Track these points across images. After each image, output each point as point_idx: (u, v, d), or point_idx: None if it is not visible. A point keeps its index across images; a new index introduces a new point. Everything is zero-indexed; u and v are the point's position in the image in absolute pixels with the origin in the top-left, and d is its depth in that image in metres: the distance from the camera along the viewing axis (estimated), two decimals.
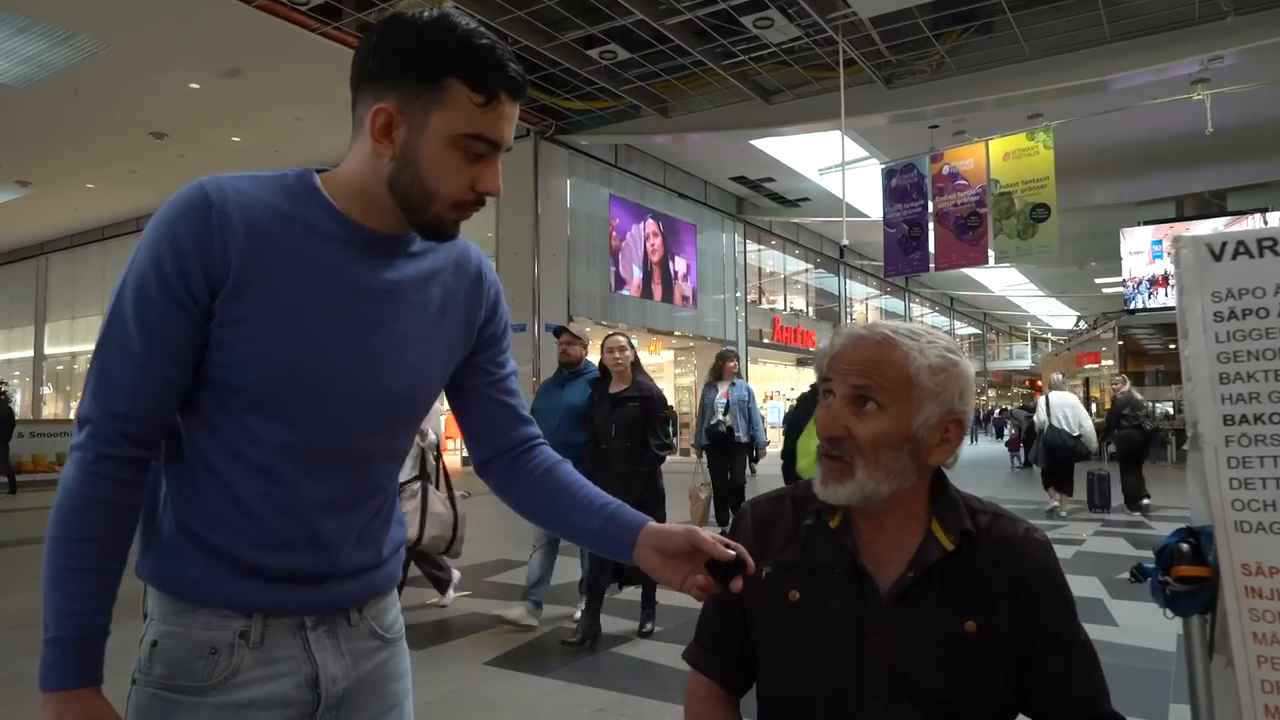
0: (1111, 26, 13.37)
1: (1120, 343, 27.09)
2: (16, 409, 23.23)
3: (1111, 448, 11.99)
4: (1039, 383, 13.04)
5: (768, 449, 9.31)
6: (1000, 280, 35.26)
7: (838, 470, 1.25)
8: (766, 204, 25.23)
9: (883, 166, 16.34)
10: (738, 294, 25.55)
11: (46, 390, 30.32)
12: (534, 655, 4.79)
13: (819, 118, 16.09)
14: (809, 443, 4.96)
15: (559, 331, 5.57)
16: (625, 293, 20.61)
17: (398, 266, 1.19)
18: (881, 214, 16.12)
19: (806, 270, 30.61)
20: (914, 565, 1.24)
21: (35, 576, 1.05)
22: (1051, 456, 11.12)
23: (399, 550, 1.33)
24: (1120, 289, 23.36)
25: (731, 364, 8.97)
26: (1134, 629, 5.18)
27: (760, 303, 27.73)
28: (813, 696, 1.23)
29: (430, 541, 5.20)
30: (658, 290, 21.79)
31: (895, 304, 37.48)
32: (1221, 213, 21.22)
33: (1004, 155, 14.70)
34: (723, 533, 1.26)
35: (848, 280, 33.04)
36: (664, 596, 5.21)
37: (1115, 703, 1.25)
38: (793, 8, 12.90)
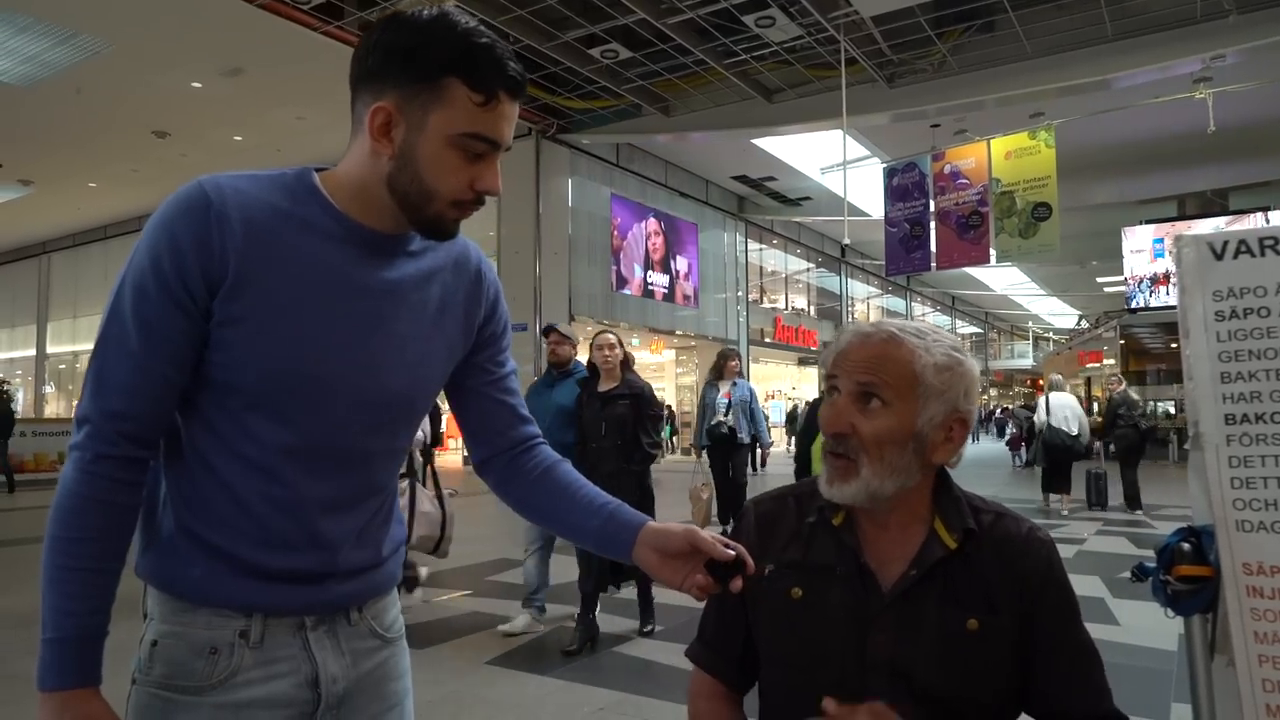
0: (1113, 25, 13.37)
1: (1122, 342, 27.06)
2: (19, 408, 23.28)
3: (1110, 447, 12.10)
4: (1040, 382, 13.03)
5: (771, 449, 9.30)
6: (1002, 279, 35.26)
7: (843, 469, 1.25)
8: (768, 203, 25.24)
9: (884, 165, 16.34)
10: (739, 293, 25.56)
11: (49, 389, 30.36)
12: (535, 655, 4.79)
13: (820, 117, 16.09)
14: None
15: (547, 331, 5.53)
16: (627, 292, 20.62)
17: (397, 266, 1.19)
18: (883, 213, 16.13)
19: (808, 269, 30.62)
20: (917, 563, 1.24)
21: (35, 575, 1.05)
22: (1050, 456, 11.37)
23: (399, 549, 1.32)
24: (1122, 288, 23.37)
25: (733, 363, 8.82)
26: (1135, 628, 5.18)
27: (762, 302, 27.74)
28: (815, 694, 1.23)
29: (418, 541, 5.17)
30: (659, 289, 21.79)
31: (897, 303, 37.48)
32: (1223, 212, 21.22)
33: (1005, 154, 14.70)
34: (724, 532, 1.26)
35: (849, 279, 33.04)
36: (664, 596, 5.21)
37: (1117, 702, 1.25)
38: (794, 6, 12.90)
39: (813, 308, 31.20)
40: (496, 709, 3.95)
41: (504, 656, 4.73)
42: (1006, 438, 25.00)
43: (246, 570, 1.12)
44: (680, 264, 22.71)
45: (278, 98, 16.04)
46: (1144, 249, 21.97)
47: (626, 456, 4.99)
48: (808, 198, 24.12)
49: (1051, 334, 52.54)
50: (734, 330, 24.98)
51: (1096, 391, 31.57)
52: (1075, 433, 11.12)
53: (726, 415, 8.49)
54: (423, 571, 6.02)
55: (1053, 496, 11.38)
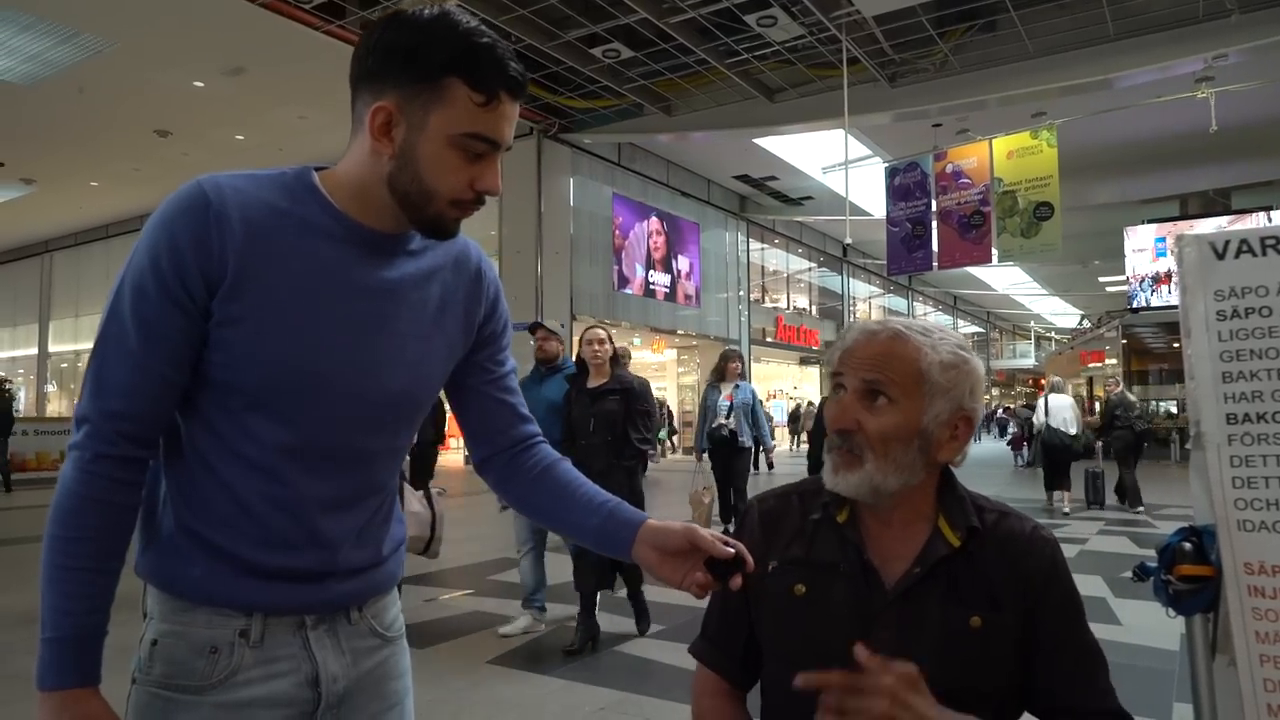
0: (1115, 25, 13.36)
1: (1124, 341, 27.01)
2: (20, 407, 23.30)
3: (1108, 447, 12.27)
4: (1042, 381, 13.08)
5: (774, 450, 9.14)
6: (1003, 279, 35.25)
7: (848, 460, 1.25)
8: (770, 202, 25.23)
9: (886, 165, 16.33)
10: (741, 292, 25.56)
11: (50, 388, 30.38)
12: (536, 654, 4.79)
13: (822, 116, 16.08)
14: None
15: (534, 327, 5.47)
16: (628, 291, 20.62)
17: (397, 265, 1.19)
18: (885, 212, 16.12)
19: (810, 269, 30.62)
20: (920, 561, 1.24)
21: (34, 575, 1.05)
22: (1049, 456, 11.58)
23: (399, 548, 1.32)
24: (1124, 287, 23.36)
25: (733, 365, 8.58)
26: (1137, 628, 5.18)
27: (763, 301, 27.74)
28: (817, 691, 1.23)
29: (408, 542, 5.13)
30: (661, 289, 21.79)
31: (898, 303, 37.47)
32: (1225, 211, 21.20)
33: (1007, 154, 14.69)
34: (726, 532, 1.26)
35: (851, 279, 33.03)
36: (664, 595, 5.21)
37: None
38: (796, 6, 12.89)
39: (814, 307, 31.20)
40: (497, 708, 3.95)
41: (505, 656, 4.73)
42: (1008, 438, 24.98)
43: (247, 569, 1.12)
44: (682, 263, 22.71)
45: (280, 97, 16.05)
46: (1146, 248, 21.97)
47: (617, 453, 4.92)
48: (809, 197, 24.11)
49: (1053, 334, 52.52)
50: (736, 330, 24.97)
51: (1099, 391, 31.53)
52: (1074, 433, 11.30)
53: (728, 418, 8.28)
54: None
55: (1055, 494, 11.53)
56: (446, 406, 1.42)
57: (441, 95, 1.08)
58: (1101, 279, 30.79)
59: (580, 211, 19.30)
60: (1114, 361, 28.69)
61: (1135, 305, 22.58)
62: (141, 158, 19.53)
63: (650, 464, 5.89)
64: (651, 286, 21.43)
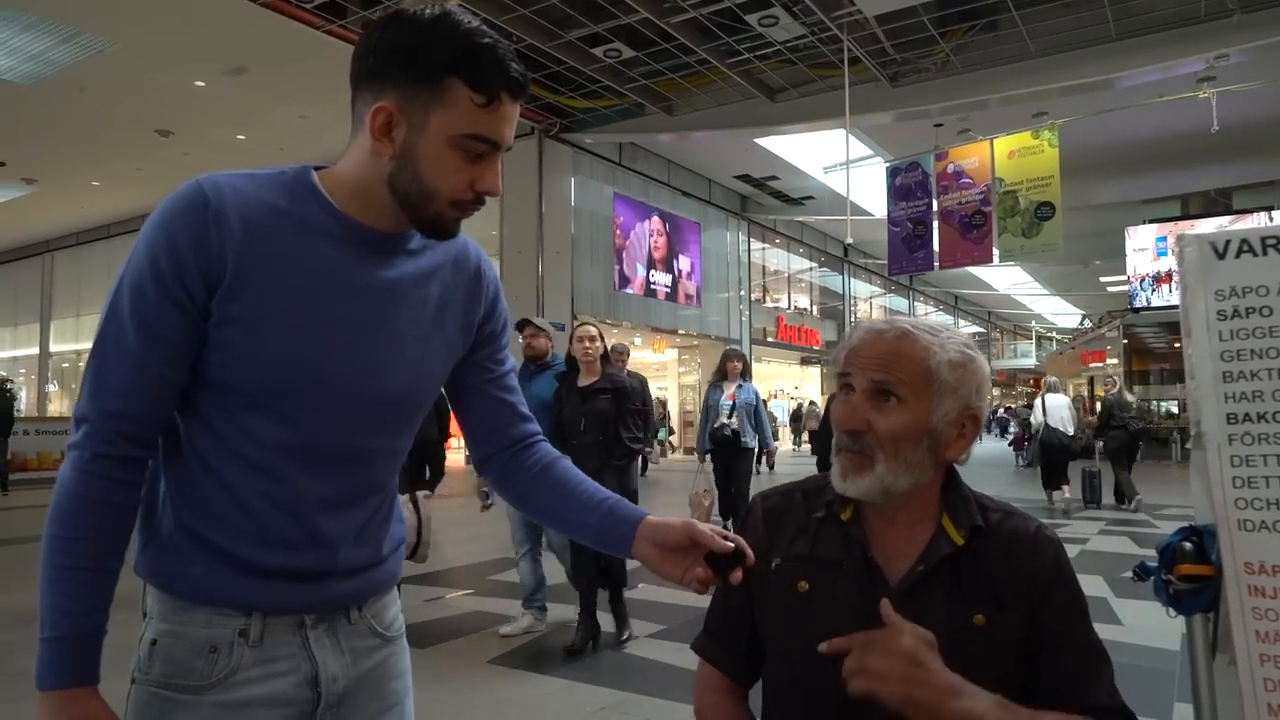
0: (1117, 24, 13.35)
1: (1125, 341, 27.00)
2: (21, 407, 23.31)
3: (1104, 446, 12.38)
4: (1043, 382, 13.15)
5: (776, 451, 9.04)
6: (1005, 279, 35.23)
7: (857, 463, 1.25)
8: (771, 202, 25.23)
9: (887, 165, 16.34)
10: (742, 292, 25.56)
11: (51, 388, 30.40)
12: (537, 654, 4.79)
13: (823, 116, 16.07)
14: None
15: (522, 324, 5.36)
16: (629, 291, 20.62)
17: (396, 264, 1.19)
18: (886, 212, 16.12)
19: (811, 269, 30.61)
20: (924, 559, 1.24)
21: (33, 574, 1.05)
22: (1047, 455, 11.73)
23: (399, 548, 1.33)
24: (1125, 287, 23.35)
25: (733, 364, 8.35)
26: (1138, 628, 5.17)
27: (764, 301, 27.73)
28: (819, 687, 1.23)
29: None
30: (662, 289, 21.79)
31: (899, 302, 37.46)
32: (1226, 211, 21.19)
33: (1009, 153, 14.68)
34: (725, 527, 1.26)
35: (852, 279, 33.03)
36: (665, 595, 5.21)
37: None
38: (798, 6, 12.89)
39: (815, 307, 31.20)
40: (498, 709, 3.95)
41: (506, 656, 4.73)
42: (1010, 438, 24.96)
43: (246, 569, 1.12)
44: (683, 263, 22.70)
45: (281, 96, 16.05)
46: (1147, 247, 21.96)
47: (608, 453, 4.85)
48: (810, 197, 24.11)
49: (1054, 333, 52.48)
50: (737, 330, 24.97)
51: (1099, 391, 31.56)
52: (1072, 433, 11.46)
53: (730, 417, 8.04)
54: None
55: (1055, 494, 11.60)
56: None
57: (442, 96, 1.07)
58: (1103, 279, 30.79)
59: (581, 211, 19.30)
60: (1115, 361, 28.67)
61: (1136, 305, 22.58)
62: (143, 157, 19.53)
63: (650, 464, 5.85)
64: (652, 286, 21.43)
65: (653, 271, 21.46)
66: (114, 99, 16.10)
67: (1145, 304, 22.28)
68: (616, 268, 20.20)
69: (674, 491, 8.85)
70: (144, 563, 1.15)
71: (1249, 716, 1.27)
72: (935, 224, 15.42)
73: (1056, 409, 11.51)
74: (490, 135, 1.10)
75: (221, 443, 1.12)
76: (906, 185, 15.70)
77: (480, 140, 1.10)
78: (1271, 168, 19.31)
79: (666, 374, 26.82)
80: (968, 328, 46.07)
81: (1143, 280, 22.06)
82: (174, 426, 1.14)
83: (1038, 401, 12.18)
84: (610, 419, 4.87)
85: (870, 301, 35.32)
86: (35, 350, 30.55)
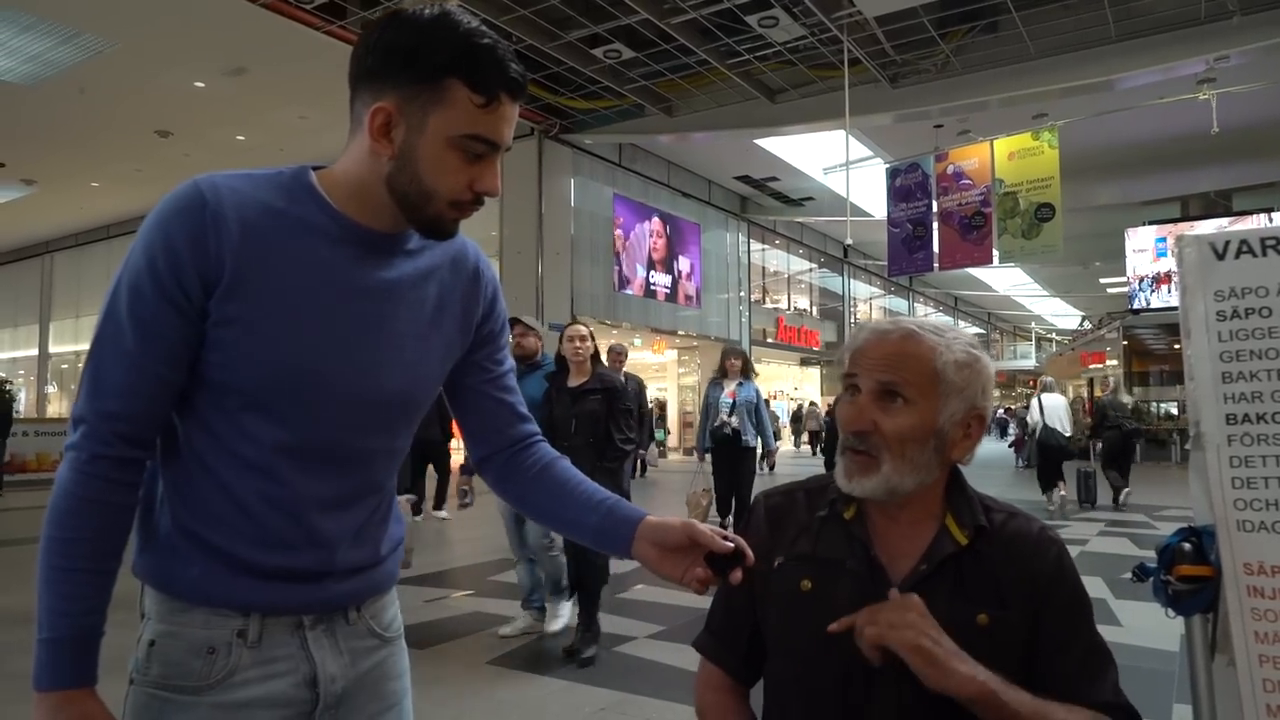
0: (1117, 26, 13.35)
1: (1125, 342, 26.97)
2: (20, 408, 23.30)
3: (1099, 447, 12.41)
4: (1039, 382, 13.19)
5: (777, 451, 9.01)
6: (1004, 280, 35.23)
7: (863, 463, 1.25)
8: (771, 203, 25.24)
9: (887, 166, 16.34)
10: (741, 293, 25.56)
11: (51, 389, 30.39)
12: (536, 655, 4.79)
13: (823, 117, 16.08)
14: None
15: (512, 323, 5.19)
16: (629, 292, 20.62)
17: (395, 265, 1.18)
18: (885, 213, 16.12)
19: (810, 270, 30.62)
20: (927, 558, 1.24)
21: (32, 575, 1.05)
22: (1044, 455, 11.69)
23: (398, 548, 1.32)
24: (1124, 288, 23.35)
25: (734, 361, 8.19)
26: (1137, 629, 5.17)
27: (764, 302, 27.74)
28: (821, 686, 1.23)
29: None
30: (661, 290, 21.79)
31: (899, 304, 37.47)
32: (1226, 213, 21.19)
33: (1009, 155, 14.69)
34: (723, 524, 1.26)
35: (852, 280, 33.04)
36: (665, 595, 5.21)
37: None
38: (798, 7, 12.89)
39: (815, 308, 31.20)
40: (497, 709, 3.94)
41: (505, 656, 4.72)
42: (1010, 439, 24.96)
43: (244, 569, 1.12)
44: (683, 264, 22.70)
45: (281, 97, 16.05)
46: (1146, 248, 21.97)
47: (599, 454, 4.75)
48: (810, 198, 24.12)
49: (1054, 335, 52.47)
50: (736, 330, 24.98)
51: (1099, 393, 31.55)
52: (1069, 433, 11.48)
53: (730, 416, 7.82)
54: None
55: (1052, 493, 11.55)
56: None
57: (441, 96, 1.07)
58: (1102, 280, 30.77)
59: (581, 212, 19.30)
60: (1115, 363, 28.67)
61: (1136, 306, 22.58)
62: (142, 158, 19.52)
63: (650, 466, 5.83)
64: (652, 287, 21.43)
65: (652, 272, 21.46)
66: (114, 100, 16.09)
67: (1145, 305, 22.29)
68: (616, 269, 20.21)
69: (672, 493, 8.83)
70: (142, 563, 1.15)
71: (1248, 717, 1.27)
72: (935, 225, 15.42)
73: (1054, 409, 11.50)
74: (489, 136, 1.10)
75: (219, 443, 1.11)
76: (906, 186, 15.70)
77: (479, 141, 1.10)
78: (1271, 169, 19.31)
79: (666, 375, 26.82)
80: (968, 329, 46.01)
81: (1142, 281, 22.07)
82: (172, 427, 1.14)
83: (1034, 401, 12.18)
84: (601, 419, 4.80)
85: (870, 303, 35.34)
86: (34, 351, 30.54)
